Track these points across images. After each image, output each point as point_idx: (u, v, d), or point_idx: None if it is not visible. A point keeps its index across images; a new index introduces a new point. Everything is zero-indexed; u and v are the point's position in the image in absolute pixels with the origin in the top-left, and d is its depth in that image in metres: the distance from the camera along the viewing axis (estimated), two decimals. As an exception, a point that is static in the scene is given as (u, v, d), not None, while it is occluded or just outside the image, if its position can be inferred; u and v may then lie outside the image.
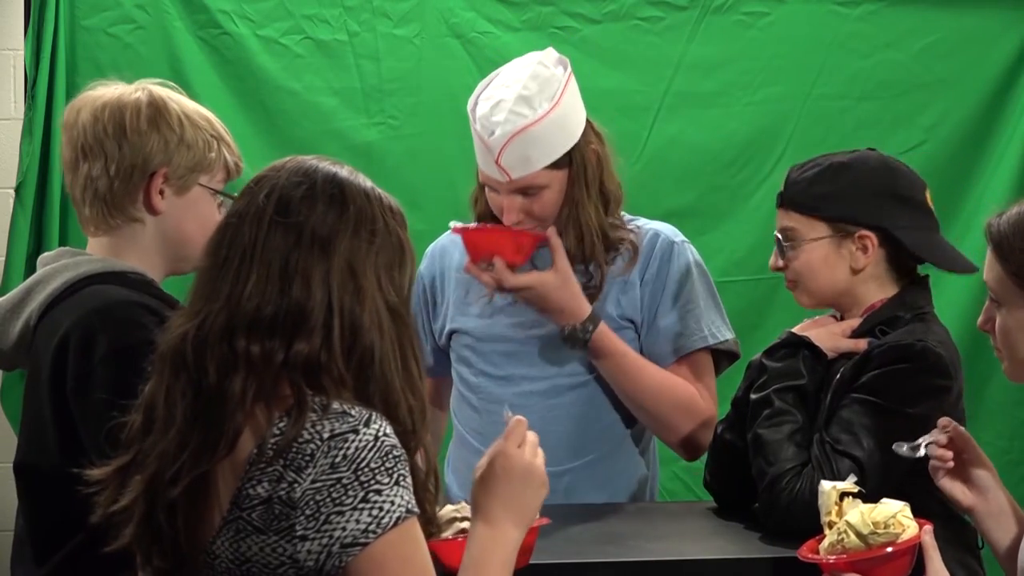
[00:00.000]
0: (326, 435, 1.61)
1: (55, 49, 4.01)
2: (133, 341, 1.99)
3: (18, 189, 4.03)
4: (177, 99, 2.23)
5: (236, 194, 2.22)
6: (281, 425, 1.63)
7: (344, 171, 1.76)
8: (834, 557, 2.00)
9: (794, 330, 2.51)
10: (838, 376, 2.42)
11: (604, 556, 2.27)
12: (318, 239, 1.68)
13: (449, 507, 2.07)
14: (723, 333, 2.88)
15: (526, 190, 2.71)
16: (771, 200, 4.27)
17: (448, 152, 4.13)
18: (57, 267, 2.17)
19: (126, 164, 2.16)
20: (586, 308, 2.70)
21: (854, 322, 2.48)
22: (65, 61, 4.03)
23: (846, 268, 2.46)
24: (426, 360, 2.77)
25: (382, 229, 1.73)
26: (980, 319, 2.08)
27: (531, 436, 1.87)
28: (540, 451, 1.87)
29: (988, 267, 2.04)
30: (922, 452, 2.15)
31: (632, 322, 2.82)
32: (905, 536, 1.98)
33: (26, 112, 4.03)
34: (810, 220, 2.47)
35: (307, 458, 1.60)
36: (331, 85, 4.17)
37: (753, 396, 2.45)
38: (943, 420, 2.16)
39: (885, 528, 1.97)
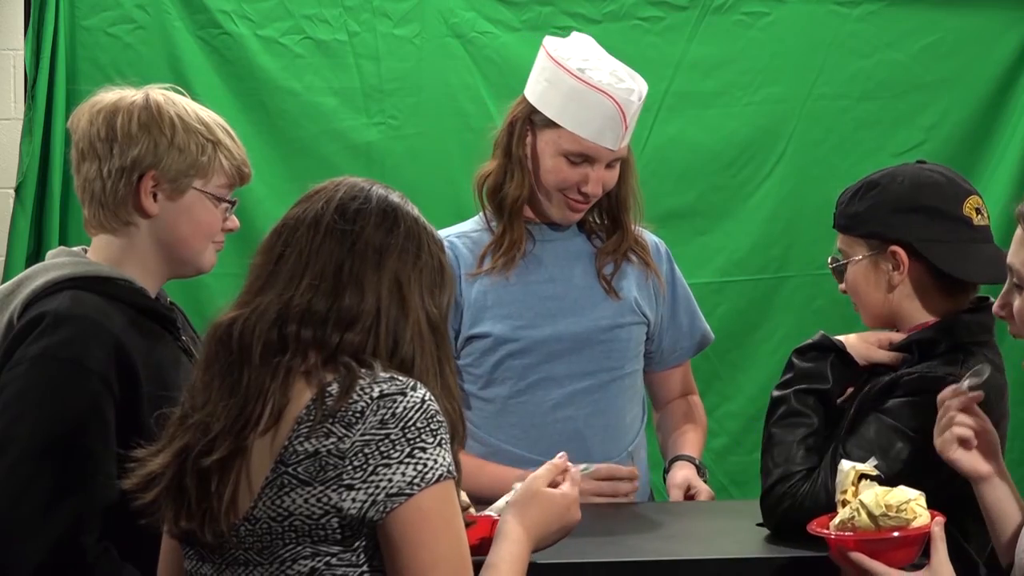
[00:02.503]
0: (375, 394, 1.70)
1: (55, 49, 4.01)
2: (65, 355, 2.06)
3: (18, 189, 4.03)
4: (178, 103, 2.24)
5: (236, 198, 2.27)
6: (331, 389, 1.70)
7: (395, 195, 1.87)
8: (840, 534, 2.00)
9: (836, 337, 2.49)
10: (866, 390, 2.40)
11: (604, 556, 2.27)
12: (372, 249, 1.79)
13: None
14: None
15: (617, 160, 2.80)
16: (771, 200, 4.34)
17: (448, 152, 4.14)
18: (47, 265, 2.21)
19: (116, 166, 2.19)
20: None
21: (894, 335, 2.46)
22: (65, 61, 4.03)
23: (884, 287, 2.44)
24: None
25: (426, 251, 1.83)
26: (996, 304, 2.06)
27: (575, 474, 1.99)
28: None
29: (1014, 250, 2.02)
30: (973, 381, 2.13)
31: (647, 319, 2.88)
32: (916, 524, 1.98)
33: (26, 112, 4.03)
34: (851, 240, 2.47)
35: (356, 415, 1.69)
36: (331, 85, 4.17)
37: (775, 393, 2.44)
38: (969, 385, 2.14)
39: (897, 512, 1.97)
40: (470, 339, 2.81)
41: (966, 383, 2.13)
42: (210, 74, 4.11)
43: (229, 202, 2.26)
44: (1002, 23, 4.33)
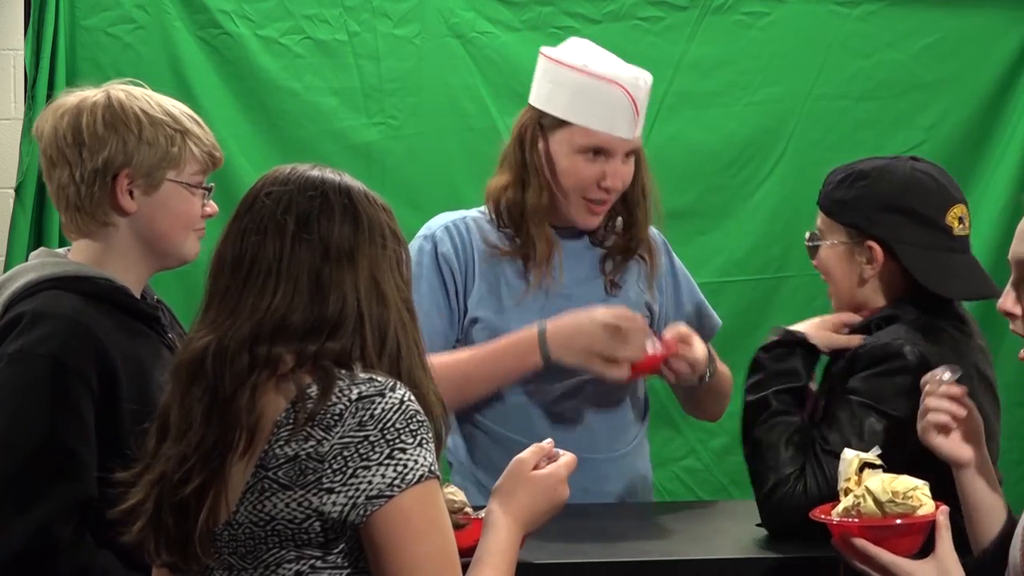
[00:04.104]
0: (354, 396, 1.68)
1: (55, 49, 4.02)
2: (42, 351, 2.07)
3: (18, 189, 4.03)
4: (140, 96, 2.23)
5: (211, 183, 2.25)
6: (311, 391, 1.69)
7: (345, 178, 1.82)
8: (844, 520, 2.00)
9: (789, 327, 2.51)
10: (831, 372, 2.43)
11: (604, 556, 2.27)
12: (344, 253, 1.76)
13: (447, 493, 2.07)
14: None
15: (631, 152, 2.77)
16: (771, 200, 4.34)
17: (448, 152, 4.14)
18: (27, 266, 2.22)
19: (88, 170, 2.19)
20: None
21: (848, 316, 2.49)
22: (65, 61, 4.04)
23: (856, 277, 2.46)
24: (447, 343, 2.78)
25: (387, 232, 1.80)
26: (1008, 301, 2.02)
27: (569, 460, 1.94)
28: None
29: (1017, 242, 1.99)
30: (951, 376, 2.13)
31: (650, 310, 2.87)
32: (921, 512, 1.98)
33: (26, 112, 4.04)
34: (831, 223, 2.48)
35: (335, 418, 1.68)
36: (331, 85, 4.17)
37: (750, 397, 2.45)
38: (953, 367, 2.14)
39: (904, 499, 1.97)
40: (476, 320, 2.79)
41: (945, 374, 2.13)
42: (210, 74, 4.11)
43: (205, 188, 2.26)
44: (1002, 23, 4.33)
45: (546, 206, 2.77)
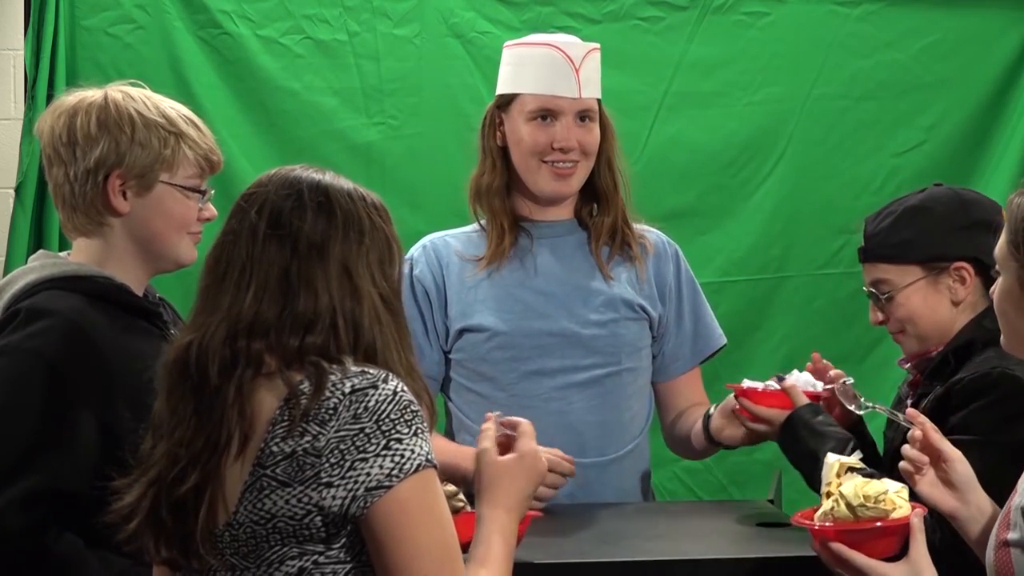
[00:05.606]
0: (347, 390, 1.70)
1: (55, 49, 4.02)
2: (28, 346, 2.07)
3: (18, 189, 4.03)
4: (137, 98, 2.24)
5: (209, 187, 2.27)
6: (304, 387, 1.70)
7: (327, 176, 1.83)
8: (821, 525, 2.01)
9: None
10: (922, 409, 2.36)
11: (604, 556, 2.27)
12: (313, 247, 1.76)
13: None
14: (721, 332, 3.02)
15: (585, 114, 2.83)
16: (771, 200, 4.34)
17: (448, 152, 4.13)
18: (26, 268, 2.23)
19: (81, 169, 2.20)
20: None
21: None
22: (65, 61, 4.04)
23: (947, 303, 2.46)
24: (430, 369, 2.80)
25: (369, 228, 1.81)
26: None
27: (525, 427, 1.96)
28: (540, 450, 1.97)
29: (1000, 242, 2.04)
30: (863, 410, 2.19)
31: (647, 315, 2.86)
32: (895, 516, 1.98)
33: (26, 112, 4.04)
34: (901, 267, 2.47)
35: (330, 412, 1.69)
36: (331, 85, 4.17)
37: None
38: (910, 411, 2.13)
39: (875, 503, 1.98)
40: (462, 332, 2.82)
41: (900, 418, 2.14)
42: (210, 74, 4.11)
43: (200, 192, 2.27)
44: (1002, 23, 4.33)
45: (503, 183, 2.85)
